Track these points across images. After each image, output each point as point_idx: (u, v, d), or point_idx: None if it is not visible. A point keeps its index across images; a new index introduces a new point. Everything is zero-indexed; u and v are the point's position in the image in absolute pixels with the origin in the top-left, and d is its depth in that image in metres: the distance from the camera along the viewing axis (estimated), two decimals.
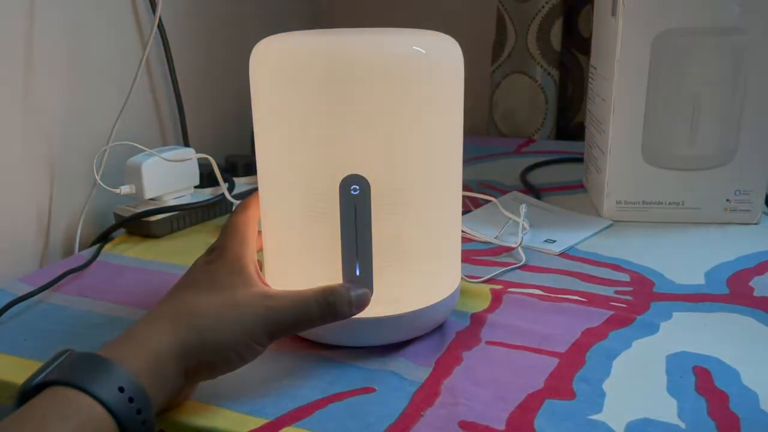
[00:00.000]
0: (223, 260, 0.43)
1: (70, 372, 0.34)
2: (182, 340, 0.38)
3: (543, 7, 1.05)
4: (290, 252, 0.47)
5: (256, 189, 0.50)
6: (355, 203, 0.44)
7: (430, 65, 0.45)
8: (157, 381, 0.37)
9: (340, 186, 0.44)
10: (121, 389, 0.34)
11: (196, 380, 0.41)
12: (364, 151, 0.44)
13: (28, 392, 0.34)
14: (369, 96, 0.43)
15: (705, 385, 0.43)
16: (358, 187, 0.44)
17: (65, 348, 0.37)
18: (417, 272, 0.47)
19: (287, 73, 0.44)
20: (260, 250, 0.49)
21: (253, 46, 0.47)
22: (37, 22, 0.67)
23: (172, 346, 0.38)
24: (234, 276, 0.42)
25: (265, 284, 0.45)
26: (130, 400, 0.34)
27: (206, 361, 0.39)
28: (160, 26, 0.80)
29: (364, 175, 0.44)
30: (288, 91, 0.44)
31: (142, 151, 0.71)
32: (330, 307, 0.43)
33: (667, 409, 0.41)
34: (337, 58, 0.43)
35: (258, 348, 0.41)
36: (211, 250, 0.45)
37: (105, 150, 0.72)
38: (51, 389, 0.34)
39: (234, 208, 0.49)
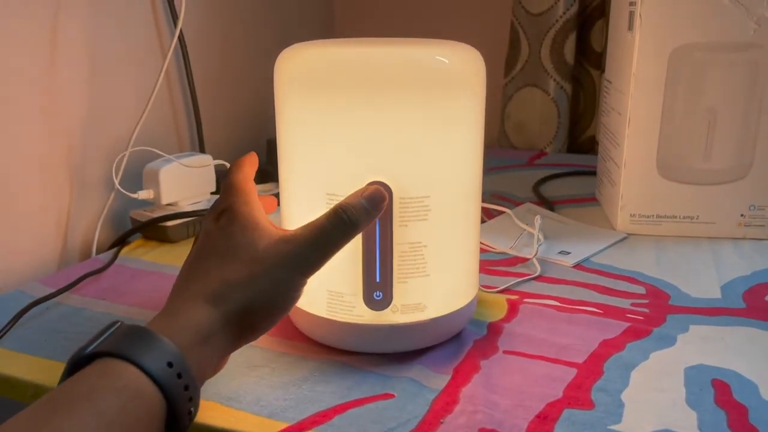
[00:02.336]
0: (235, 223, 0.43)
1: (122, 344, 0.34)
2: (224, 316, 0.38)
3: (557, 21, 1.06)
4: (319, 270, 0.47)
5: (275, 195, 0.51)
6: None
7: (453, 74, 0.45)
8: (203, 358, 0.37)
9: None
10: (170, 364, 0.34)
11: (241, 345, 0.41)
12: (387, 158, 0.44)
13: (79, 362, 0.34)
14: (393, 104, 0.44)
15: (724, 397, 0.43)
16: None
17: (114, 320, 0.36)
18: (437, 280, 0.47)
19: (312, 82, 0.45)
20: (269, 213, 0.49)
21: (268, 56, 0.48)
22: (60, 31, 0.68)
23: (216, 324, 0.38)
24: (249, 234, 0.42)
25: (281, 230, 0.44)
26: (179, 375, 0.34)
27: (251, 325, 0.40)
28: (181, 37, 0.81)
29: (387, 182, 0.44)
30: (312, 100, 0.45)
31: (161, 156, 0.72)
32: (346, 223, 0.42)
33: (687, 421, 0.41)
34: (362, 68, 0.44)
35: (296, 293, 0.41)
36: (219, 214, 0.44)
37: (124, 155, 0.73)
38: (102, 360, 0.34)
39: (229, 169, 0.47)
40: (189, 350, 0.36)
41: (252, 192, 0.45)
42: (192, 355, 0.36)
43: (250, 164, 0.48)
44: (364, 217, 0.42)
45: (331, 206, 0.43)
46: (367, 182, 0.44)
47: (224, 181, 0.46)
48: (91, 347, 0.34)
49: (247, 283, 0.40)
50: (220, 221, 0.43)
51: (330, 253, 0.42)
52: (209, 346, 0.38)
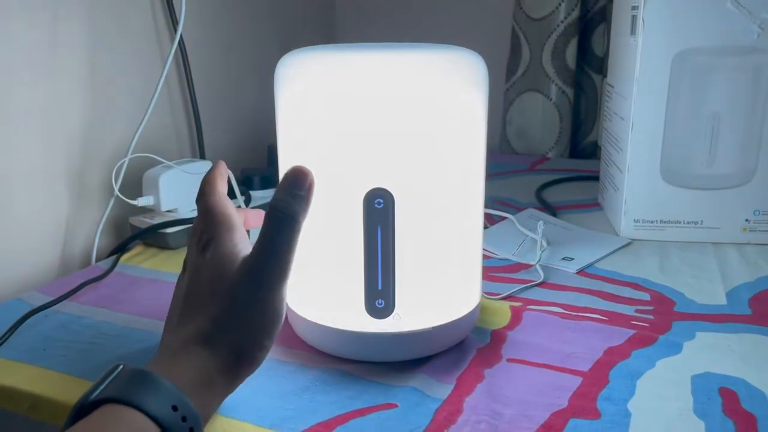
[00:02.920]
0: (218, 254, 0.41)
1: (127, 389, 0.34)
2: (220, 359, 0.38)
3: (558, 25, 1.06)
4: (314, 264, 0.47)
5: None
6: (378, 217, 0.44)
7: (455, 79, 0.45)
8: (205, 400, 0.37)
9: (364, 199, 0.44)
10: (174, 408, 0.34)
11: (243, 380, 0.40)
12: (388, 165, 0.44)
13: (85, 408, 0.34)
14: (394, 110, 0.43)
15: (732, 406, 0.43)
16: (382, 201, 0.44)
17: (117, 363, 0.37)
18: (439, 287, 0.46)
19: (313, 87, 0.44)
20: (252, 228, 0.48)
21: (269, 62, 0.47)
22: (60, 37, 0.68)
23: (213, 368, 0.38)
24: (229, 266, 0.41)
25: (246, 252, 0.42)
26: (183, 419, 0.34)
27: (247, 360, 0.39)
28: (181, 42, 0.81)
29: (388, 189, 0.44)
30: (312, 105, 0.45)
31: (161, 163, 0.72)
32: (284, 220, 0.40)
33: (695, 431, 0.40)
34: (362, 73, 0.43)
35: (276, 311, 0.40)
36: (205, 245, 0.43)
37: (124, 162, 0.72)
38: (108, 406, 0.34)
39: (201, 188, 0.45)
40: (192, 393, 0.36)
41: (232, 215, 0.44)
42: (195, 399, 0.36)
43: (222, 179, 0.46)
44: (297, 204, 0.41)
45: (331, 215, 0.42)
46: (369, 189, 0.44)
47: (201, 203, 0.44)
48: (96, 392, 0.34)
49: (230, 319, 0.39)
50: (206, 255, 0.42)
51: (286, 257, 0.40)
52: (210, 390, 0.38)
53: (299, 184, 0.42)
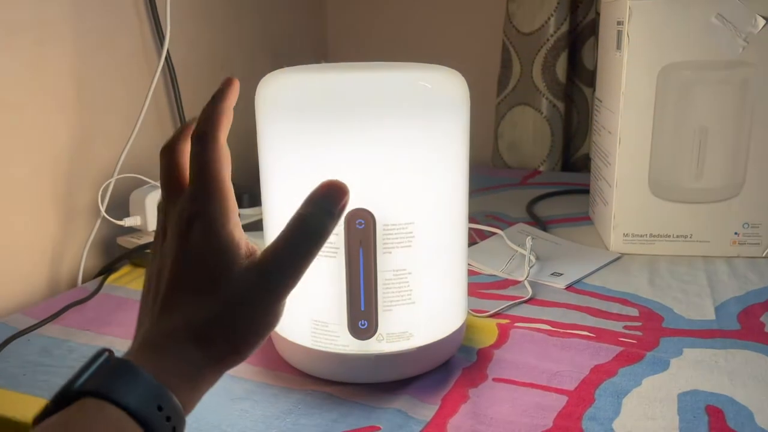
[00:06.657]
0: (208, 240, 0.38)
1: (113, 385, 0.33)
2: (211, 358, 0.37)
3: (548, 39, 1.06)
4: (297, 285, 0.46)
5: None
6: (360, 238, 0.44)
7: (436, 99, 0.45)
8: (191, 394, 0.36)
9: (345, 220, 0.44)
10: (159, 408, 0.33)
11: (226, 371, 0.38)
12: (369, 185, 0.44)
13: (70, 395, 0.33)
14: (375, 130, 0.43)
15: (718, 425, 0.42)
16: (363, 222, 0.44)
17: (103, 349, 0.35)
18: (423, 308, 0.46)
19: (292, 108, 0.44)
20: None
21: (259, 80, 0.47)
22: (45, 59, 0.68)
23: (203, 366, 0.37)
24: (223, 255, 0.37)
25: (251, 249, 0.39)
26: (167, 419, 0.34)
27: (235, 356, 0.38)
28: (168, 59, 0.81)
29: (369, 209, 0.43)
30: (292, 126, 0.45)
31: (147, 183, 0.72)
32: (311, 235, 0.37)
33: None
34: (342, 94, 0.43)
35: (276, 317, 0.38)
36: (191, 218, 0.38)
37: (110, 182, 0.72)
38: (95, 402, 0.32)
39: (200, 126, 0.39)
40: (177, 389, 0.35)
41: (229, 184, 0.39)
42: (179, 394, 0.35)
43: (228, 120, 0.40)
44: (328, 221, 0.38)
45: None
46: (350, 210, 0.43)
47: (197, 151, 0.38)
48: (80, 381, 0.33)
49: (229, 319, 0.38)
50: (192, 233, 0.37)
51: (302, 270, 0.38)
52: (195, 385, 0.37)
53: (335, 201, 0.38)
